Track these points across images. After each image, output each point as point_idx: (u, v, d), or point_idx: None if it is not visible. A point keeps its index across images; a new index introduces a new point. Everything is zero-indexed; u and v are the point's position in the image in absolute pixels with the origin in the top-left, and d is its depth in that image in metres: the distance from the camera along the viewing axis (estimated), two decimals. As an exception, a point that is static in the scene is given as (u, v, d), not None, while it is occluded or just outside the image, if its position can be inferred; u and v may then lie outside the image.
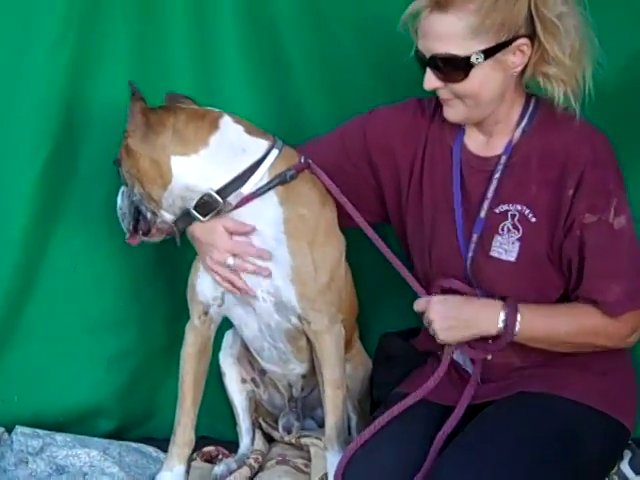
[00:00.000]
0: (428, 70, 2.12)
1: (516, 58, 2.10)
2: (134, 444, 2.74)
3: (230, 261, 2.28)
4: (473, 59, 2.06)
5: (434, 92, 2.18)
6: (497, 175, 2.19)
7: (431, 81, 2.13)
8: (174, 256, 2.78)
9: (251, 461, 2.52)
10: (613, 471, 2.36)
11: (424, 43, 2.12)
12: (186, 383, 2.49)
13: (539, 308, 2.16)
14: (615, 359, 2.29)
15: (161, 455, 2.67)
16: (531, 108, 2.22)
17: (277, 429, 2.66)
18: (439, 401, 2.29)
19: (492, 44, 2.06)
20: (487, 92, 2.13)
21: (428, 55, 2.11)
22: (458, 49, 2.06)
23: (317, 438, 2.55)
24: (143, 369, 2.87)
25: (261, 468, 2.53)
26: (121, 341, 2.83)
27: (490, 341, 2.18)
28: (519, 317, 2.11)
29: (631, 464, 2.39)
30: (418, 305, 2.24)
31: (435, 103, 2.31)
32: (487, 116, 2.19)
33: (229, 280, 2.31)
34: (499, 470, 1.98)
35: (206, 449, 2.68)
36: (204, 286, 2.39)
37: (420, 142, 2.31)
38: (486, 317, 2.14)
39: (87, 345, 2.82)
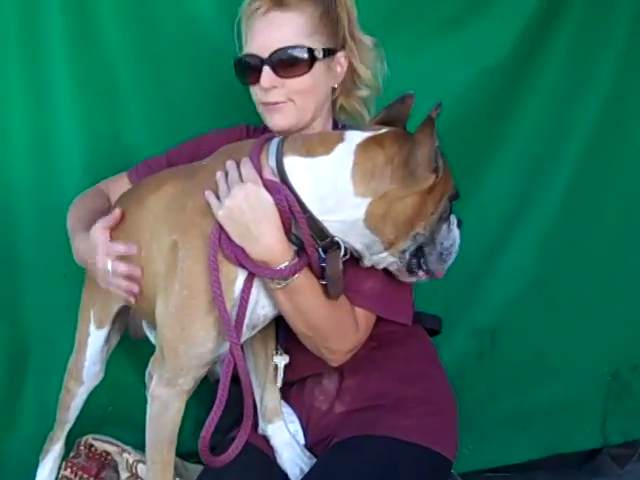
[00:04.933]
0: (266, 69, 2.18)
1: (339, 69, 2.27)
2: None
3: (109, 265, 2.13)
4: (317, 53, 2.19)
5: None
6: None
7: (269, 79, 2.19)
8: (14, 307, 2.81)
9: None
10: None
11: (262, 41, 2.19)
12: (171, 453, 2.14)
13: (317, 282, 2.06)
14: (437, 392, 2.37)
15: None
16: None
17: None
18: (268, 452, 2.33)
19: (327, 46, 2.22)
20: (318, 93, 2.25)
21: (268, 53, 2.18)
22: (303, 41, 2.19)
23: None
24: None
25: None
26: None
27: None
28: (304, 270, 2.02)
29: (453, 492, 2.47)
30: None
31: (262, 131, 2.37)
32: (307, 126, 2.26)
33: (124, 287, 2.15)
34: None
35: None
36: (215, 343, 2.05)
37: None
38: (276, 243, 1.98)
39: None
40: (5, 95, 2.69)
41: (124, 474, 2.60)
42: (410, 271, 2.08)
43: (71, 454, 2.69)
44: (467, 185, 2.92)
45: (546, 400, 3.22)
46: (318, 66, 2.21)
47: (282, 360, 2.32)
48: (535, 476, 3.16)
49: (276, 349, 2.33)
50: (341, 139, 2.01)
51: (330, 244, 1.99)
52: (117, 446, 2.67)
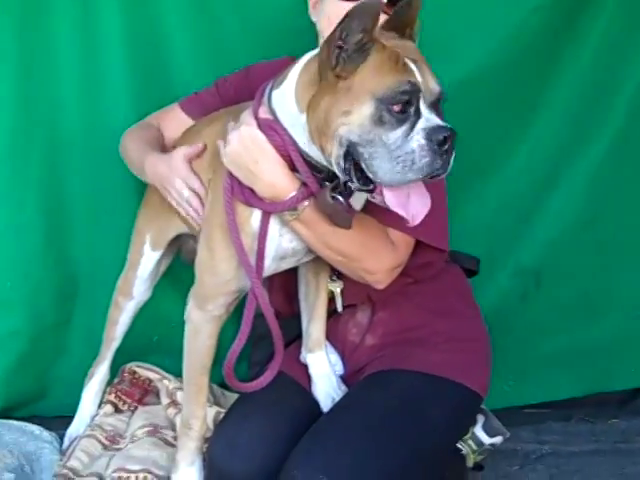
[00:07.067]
0: None
1: None
2: (17, 422, 2.76)
3: (185, 192, 2.24)
4: None
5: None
6: None
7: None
8: (63, 235, 2.86)
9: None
10: (468, 436, 2.44)
11: None
12: (205, 376, 2.27)
13: None
14: (469, 328, 2.40)
15: (44, 433, 2.71)
16: None
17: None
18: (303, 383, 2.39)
19: None
20: None
21: None
22: None
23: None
24: (32, 350, 2.86)
25: (132, 438, 2.56)
26: (8, 321, 2.82)
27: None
28: (311, 198, 2.02)
29: (485, 427, 2.46)
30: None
31: None
32: None
33: (192, 215, 2.24)
34: (344, 452, 2.05)
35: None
36: (240, 271, 2.12)
37: None
38: (278, 177, 2.01)
39: (-27, 326, 2.82)
40: (54, 34, 2.74)
41: (165, 400, 2.69)
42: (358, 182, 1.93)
43: (115, 380, 2.81)
44: (517, 124, 2.97)
45: (590, 340, 3.21)
46: None
47: (337, 286, 2.39)
48: (573, 413, 3.16)
49: (330, 277, 2.38)
50: (298, 60, 2.02)
51: (327, 176, 2.00)
52: (159, 374, 2.78)
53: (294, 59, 2.42)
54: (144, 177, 2.43)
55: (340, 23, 1.84)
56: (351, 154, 1.88)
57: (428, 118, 1.86)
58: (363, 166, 1.87)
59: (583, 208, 3.11)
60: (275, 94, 2.03)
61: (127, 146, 2.55)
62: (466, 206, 3.00)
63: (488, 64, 2.86)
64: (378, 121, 1.84)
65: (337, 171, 1.92)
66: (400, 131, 1.85)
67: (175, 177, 2.25)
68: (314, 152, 1.97)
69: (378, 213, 2.13)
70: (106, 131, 2.78)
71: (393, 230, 2.18)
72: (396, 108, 1.85)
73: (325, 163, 1.97)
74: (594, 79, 3.00)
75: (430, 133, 1.84)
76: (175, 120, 2.58)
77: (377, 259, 2.15)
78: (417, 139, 1.83)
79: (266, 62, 2.54)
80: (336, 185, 1.99)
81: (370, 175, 1.87)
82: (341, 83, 1.87)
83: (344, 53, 1.86)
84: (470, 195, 2.99)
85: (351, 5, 2.14)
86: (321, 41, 2.32)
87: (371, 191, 1.92)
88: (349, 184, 1.94)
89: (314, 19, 2.38)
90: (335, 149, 1.89)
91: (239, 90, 2.49)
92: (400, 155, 1.83)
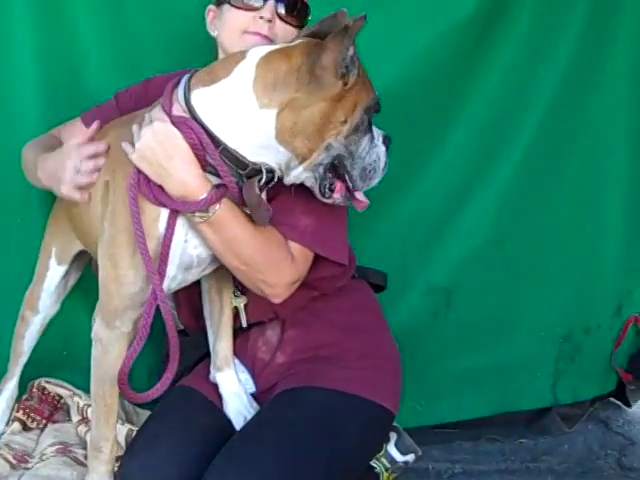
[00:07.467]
0: (272, 2, 2.24)
1: None
2: None
3: (79, 164, 2.17)
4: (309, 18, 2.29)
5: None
6: None
7: (272, 12, 2.24)
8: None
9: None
10: (381, 454, 2.46)
11: None
12: (114, 397, 2.18)
13: (243, 213, 2.08)
14: (379, 345, 2.41)
15: None
16: None
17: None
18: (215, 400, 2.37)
19: None
20: None
21: None
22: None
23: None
24: None
25: (41, 456, 2.49)
26: None
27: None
28: (224, 200, 2.02)
29: (397, 445, 2.49)
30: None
31: None
32: None
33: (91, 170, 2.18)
34: (257, 471, 2.04)
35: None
36: (146, 282, 2.05)
37: None
38: (191, 177, 1.99)
39: None
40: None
41: (75, 417, 2.63)
42: (322, 192, 2.06)
43: (24, 396, 2.73)
44: (428, 143, 3.00)
45: (499, 359, 3.27)
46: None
47: (241, 302, 2.38)
48: (482, 433, 3.20)
49: (234, 293, 2.38)
50: (243, 57, 2.01)
51: (253, 172, 2.00)
52: (69, 390, 2.71)
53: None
54: (41, 184, 2.36)
55: (340, 35, 1.89)
56: (335, 166, 2.03)
57: (374, 127, 2.06)
58: (346, 177, 2.05)
59: (492, 228, 3.18)
60: (201, 92, 2.01)
61: (26, 158, 2.50)
62: (378, 223, 3.02)
63: (400, 82, 2.91)
64: (357, 130, 1.99)
65: (307, 172, 2.01)
66: (366, 138, 2.03)
67: (67, 159, 2.20)
68: (257, 149, 1.98)
69: (278, 226, 2.15)
70: (13, 139, 2.70)
71: (292, 243, 2.19)
72: (369, 118, 2.03)
73: (267, 161, 2.00)
74: (503, 100, 3.09)
75: (385, 139, 2.08)
76: (76, 133, 2.47)
77: (278, 271, 2.14)
78: (379, 145, 2.06)
79: (165, 75, 2.50)
80: (259, 180, 2.01)
81: (349, 184, 2.06)
82: (343, 93, 1.94)
83: (343, 64, 1.92)
84: (382, 212, 2.99)
85: (250, 14, 2.25)
86: (221, 54, 2.35)
87: (329, 192, 2.07)
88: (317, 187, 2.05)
89: (213, 33, 2.39)
90: (319, 155, 1.98)
91: (138, 101, 2.46)
92: (370, 163, 2.04)
